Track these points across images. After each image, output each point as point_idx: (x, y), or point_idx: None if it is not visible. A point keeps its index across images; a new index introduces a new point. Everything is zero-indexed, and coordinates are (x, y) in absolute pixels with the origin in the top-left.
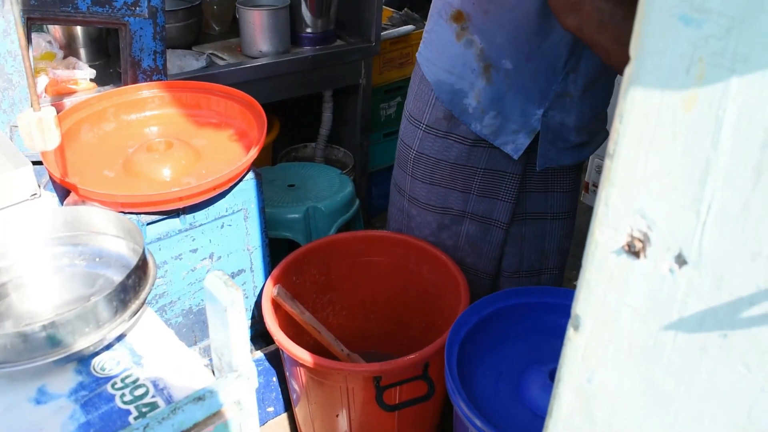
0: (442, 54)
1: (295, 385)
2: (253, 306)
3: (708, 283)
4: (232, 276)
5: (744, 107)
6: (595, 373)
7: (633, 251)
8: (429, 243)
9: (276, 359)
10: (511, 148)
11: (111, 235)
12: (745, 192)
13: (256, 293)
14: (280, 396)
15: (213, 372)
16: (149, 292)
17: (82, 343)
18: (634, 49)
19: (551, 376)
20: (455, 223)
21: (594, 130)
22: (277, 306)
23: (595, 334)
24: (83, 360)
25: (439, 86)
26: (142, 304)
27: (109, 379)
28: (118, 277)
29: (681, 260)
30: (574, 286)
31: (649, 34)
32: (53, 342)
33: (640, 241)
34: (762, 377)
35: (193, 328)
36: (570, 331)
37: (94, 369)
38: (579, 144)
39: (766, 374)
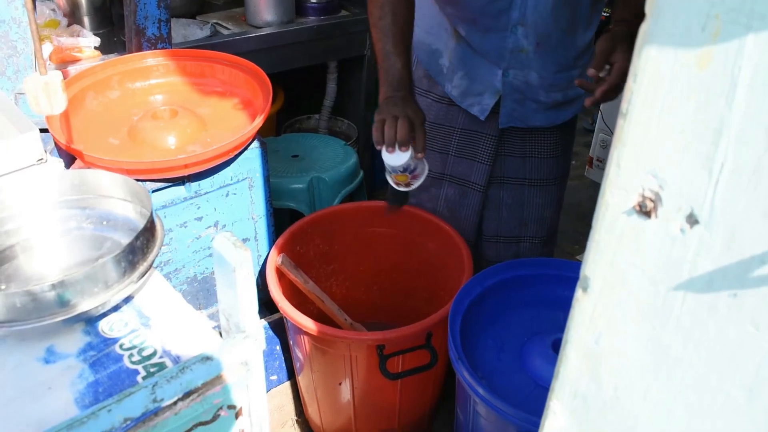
0: (422, 15)
1: (298, 354)
2: (257, 275)
3: (719, 242)
4: None
5: (760, 65)
6: (603, 335)
7: (644, 211)
8: (433, 214)
9: (280, 328)
10: (477, 110)
11: (118, 198)
12: (758, 151)
13: (260, 262)
14: (284, 364)
15: (221, 335)
16: (157, 254)
17: (90, 303)
18: (649, 7)
19: (554, 346)
20: (434, 185)
21: (569, 90)
22: (281, 275)
23: (604, 295)
24: (91, 321)
25: (419, 46)
26: (150, 266)
27: (117, 339)
28: (125, 240)
29: (692, 220)
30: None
31: None
32: (61, 301)
33: (651, 201)
34: None
35: (198, 295)
36: (578, 293)
37: (102, 330)
38: (553, 105)
39: None
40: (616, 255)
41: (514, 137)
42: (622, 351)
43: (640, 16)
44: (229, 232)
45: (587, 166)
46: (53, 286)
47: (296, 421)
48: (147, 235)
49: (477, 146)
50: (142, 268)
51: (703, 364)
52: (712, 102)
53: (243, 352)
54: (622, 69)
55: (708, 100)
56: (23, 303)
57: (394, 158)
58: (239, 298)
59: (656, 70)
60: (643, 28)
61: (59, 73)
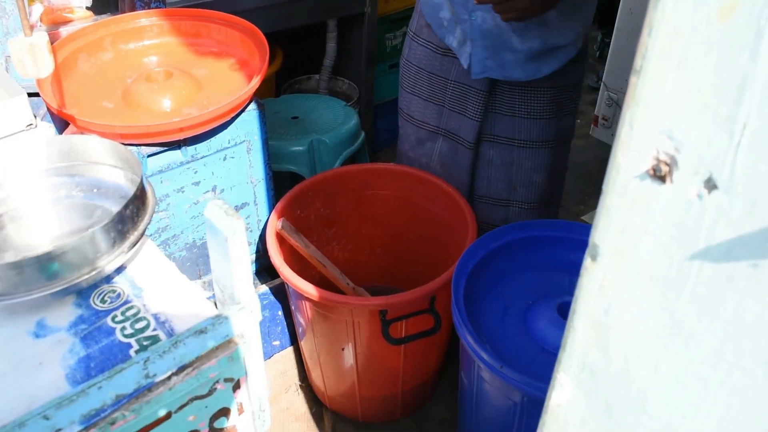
0: None
1: (300, 319)
2: (257, 240)
3: (739, 209)
4: (236, 209)
5: None
6: (613, 305)
7: (658, 175)
8: (435, 176)
9: (281, 293)
10: (463, 60)
11: (108, 165)
12: None
13: (260, 227)
14: (286, 330)
15: (216, 305)
16: (149, 223)
17: (79, 274)
18: None
19: (559, 310)
20: (430, 139)
21: (548, 36)
22: (281, 240)
23: (614, 264)
24: (82, 293)
25: None
26: (142, 235)
27: (109, 312)
28: (116, 208)
29: (711, 185)
30: (582, 222)
31: None
32: (50, 274)
33: (666, 164)
34: None
35: (197, 262)
36: (587, 261)
37: (94, 302)
38: (532, 55)
39: None
40: (627, 222)
41: (504, 94)
42: (632, 322)
43: None
44: (221, 200)
45: (592, 125)
46: (40, 259)
47: (300, 386)
48: (137, 203)
49: (468, 101)
50: (133, 237)
51: (718, 337)
52: (735, 56)
53: (238, 324)
54: None
55: (730, 55)
56: (9, 276)
57: None
58: (233, 269)
59: (673, 23)
60: None
61: (45, 34)
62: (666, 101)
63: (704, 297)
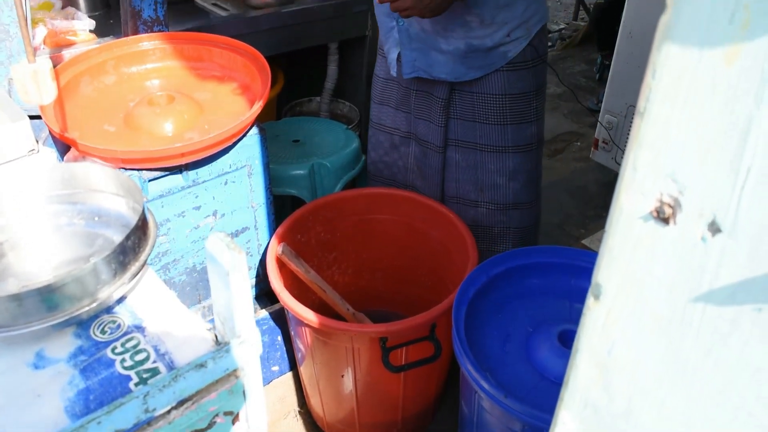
0: None
1: (300, 345)
2: (257, 264)
3: (743, 252)
4: (236, 234)
5: None
6: (616, 344)
7: (662, 217)
8: (436, 201)
9: (281, 318)
10: (391, 63)
11: (110, 193)
12: None
13: (261, 251)
14: (285, 355)
15: (216, 336)
16: (150, 253)
17: (79, 306)
18: None
19: (560, 338)
20: (404, 143)
21: (471, 39)
22: (282, 264)
23: (617, 304)
24: (82, 323)
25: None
26: (143, 265)
27: (109, 343)
28: (117, 237)
29: (714, 228)
30: (583, 246)
31: None
32: (50, 305)
33: (669, 206)
34: None
35: (197, 286)
36: (590, 300)
37: (94, 333)
38: (459, 55)
39: None
40: (631, 263)
41: (464, 101)
42: (636, 362)
43: None
44: (223, 232)
45: (593, 148)
46: (41, 291)
47: (299, 412)
48: (139, 233)
49: (430, 108)
50: (134, 268)
51: (723, 380)
52: (740, 100)
53: (238, 358)
54: None
55: (735, 98)
56: (9, 308)
57: None
58: (234, 302)
59: (678, 66)
60: (663, 20)
61: (48, 60)
62: (670, 143)
63: (708, 339)
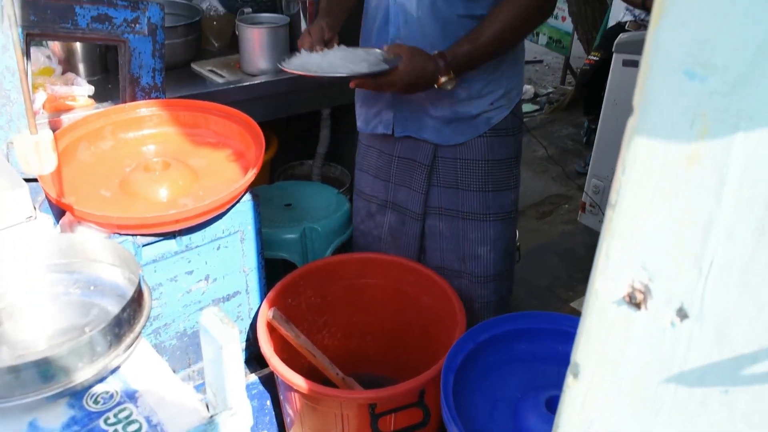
0: None
1: (289, 410)
2: (248, 328)
3: (709, 338)
4: (227, 298)
5: (748, 165)
6: (594, 422)
7: (634, 303)
8: (425, 266)
9: (270, 382)
10: (382, 127)
11: (106, 263)
12: (747, 249)
13: (251, 315)
14: (274, 420)
15: (207, 407)
16: (144, 324)
17: (75, 377)
18: (637, 101)
19: (548, 404)
20: (379, 212)
21: (456, 106)
22: (272, 329)
23: (595, 383)
24: (76, 393)
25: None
26: (137, 336)
27: (101, 413)
28: (112, 307)
29: (682, 314)
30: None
31: (654, 87)
32: (46, 377)
33: (641, 292)
34: None
35: (187, 350)
36: (569, 378)
37: (87, 403)
38: (445, 120)
39: None
40: (606, 344)
41: (447, 167)
42: None
43: (460, 58)
44: (217, 307)
45: (580, 211)
46: (37, 363)
47: None
48: (134, 305)
49: (412, 175)
50: (128, 339)
51: None
52: (701, 199)
53: (230, 430)
54: (387, 82)
55: (697, 197)
56: (5, 380)
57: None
58: (226, 375)
59: (645, 165)
60: (631, 122)
61: (49, 132)
62: (640, 235)
63: (680, 419)
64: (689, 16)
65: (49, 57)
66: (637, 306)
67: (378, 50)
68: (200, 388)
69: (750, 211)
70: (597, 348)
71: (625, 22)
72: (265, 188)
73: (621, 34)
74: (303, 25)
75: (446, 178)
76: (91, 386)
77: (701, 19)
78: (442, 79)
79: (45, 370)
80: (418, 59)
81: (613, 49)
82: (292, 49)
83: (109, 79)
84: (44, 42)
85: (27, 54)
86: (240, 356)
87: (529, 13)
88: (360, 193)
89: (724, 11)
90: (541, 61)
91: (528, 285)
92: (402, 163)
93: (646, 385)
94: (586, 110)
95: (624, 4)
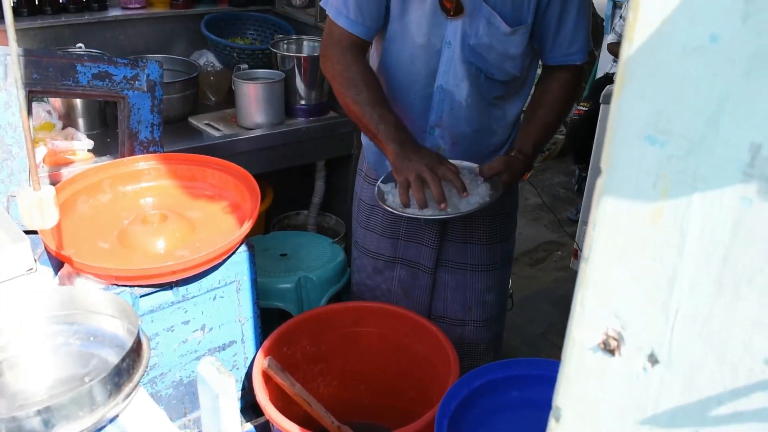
0: None
1: None
2: (243, 377)
3: (679, 382)
4: (223, 347)
5: (705, 223)
6: None
7: (608, 349)
8: (419, 315)
9: (266, 431)
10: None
11: (106, 315)
12: (709, 300)
13: (247, 364)
14: None
15: None
16: (143, 374)
17: (75, 427)
18: (605, 163)
19: None
20: (388, 268)
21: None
22: (267, 377)
23: (576, 426)
24: None
25: (368, 148)
26: (136, 386)
27: None
28: (112, 357)
29: (653, 359)
30: None
31: (618, 151)
32: (47, 426)
33: (615, 339)
34: None
35: (184, 399)
36: (551, 422)
37: None
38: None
39: None
40: (585, 389)
41: (456, 223)
42: None
43: (537, 147)
44: (214, 357)
45: (572, 258)
46: (39, 412)
47: None
48: (133, 356)
49: (423, 231)
50: (127, 389)
51: None
52: (666, 253)
53: None
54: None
55: (662, 251)
56: (9, 429)
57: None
58: (223, 425)
59: (613, 222)
60: (600, 182)
61: (52, 188)
62: (612, 285)
63: None
64: (648, 89)
65: (49, 112)
66: (612, 352)
67: (466, 163)
68: None
69: (709, 265)
70: (576, 392)
71: (612, 74)
72: (260, 238)
73: (608, 86)
74: (297, 80)
75: (455, 233)
76: None
77: (657, 91)
78: (527, 176)
79: (47, 419)
80: (515, 168)
81: (601, 100)
82: (288, 103)
83: (108, 134)
84: (45, 98)
85: (29, 110)
86: (236, 405)
87: (574, 91)
88: (365, 251)
89: (677, 86)
90: None
91: (522, 332)
92: (412, 221)
93: (623, 427)
94: (576, 159)
95: (611, 57)
